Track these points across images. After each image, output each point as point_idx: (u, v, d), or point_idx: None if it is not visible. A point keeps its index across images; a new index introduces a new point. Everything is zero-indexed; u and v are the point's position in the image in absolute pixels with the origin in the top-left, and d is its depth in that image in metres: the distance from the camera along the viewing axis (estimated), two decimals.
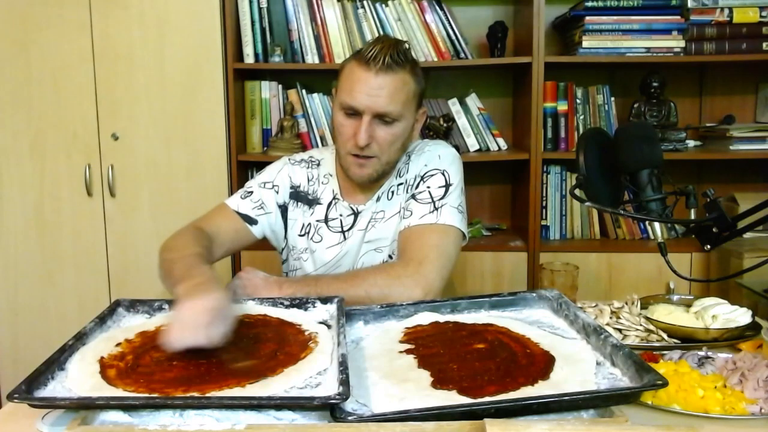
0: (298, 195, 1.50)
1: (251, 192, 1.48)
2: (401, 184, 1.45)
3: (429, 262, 1.29)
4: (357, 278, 1.28)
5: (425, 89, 1.43)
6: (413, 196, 1.41)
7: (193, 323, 0.96)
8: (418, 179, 1.43)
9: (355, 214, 1.46)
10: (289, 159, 1.54)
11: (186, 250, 1.24)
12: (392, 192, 1.45)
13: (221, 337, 0.97)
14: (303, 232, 1.49)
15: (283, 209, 1.50)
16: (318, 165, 1.52)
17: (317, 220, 1.48)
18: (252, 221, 1.46)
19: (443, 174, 1.42)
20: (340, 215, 1.46)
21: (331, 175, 1.49)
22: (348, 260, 1.46)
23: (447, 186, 1.40)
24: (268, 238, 1.52)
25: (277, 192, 1.49)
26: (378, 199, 1.45)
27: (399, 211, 1.43)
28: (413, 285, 1.25)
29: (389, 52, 1.30)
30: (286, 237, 1.52)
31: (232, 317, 1.02)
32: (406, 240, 1.36)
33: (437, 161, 1.43)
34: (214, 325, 0.96)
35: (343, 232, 1.46)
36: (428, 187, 1.40)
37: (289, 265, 1.55)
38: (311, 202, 1.49)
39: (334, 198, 1.48)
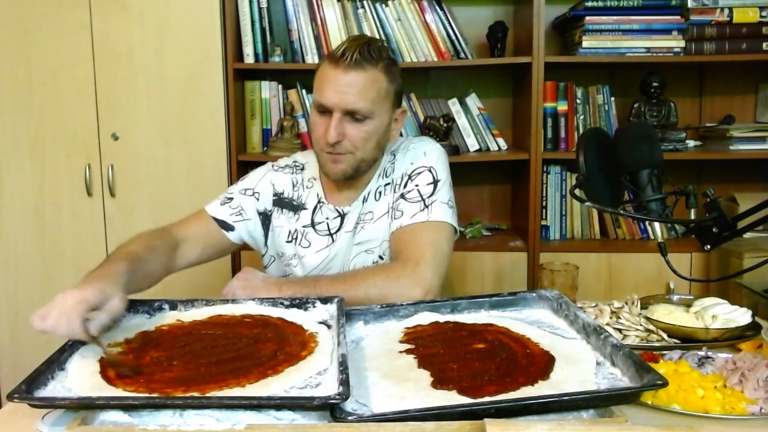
0: (282, 202, 1.49)
1: (231, 198, 1.49)
2: (388, 184, 1.44)
3: (425, 261, 1.29)
4: (356, 279, 1.28)
5: (402, 87, 1.43)
6: (402, 196, 1.41)
7: (58, 311, 0.96)
8: (405, 178, 1.42)
9: (342, 216, 1.45)
10: (272, 165, 1.54)
11: (124, 248, 1.26)
12: (379, 192, 1.44)
13: (79, 329, 0.96)
14: (290, 239, 1.48)
15: (265, 216, 1.50)
16: (302, 169, 1.52)
17: (303, 226, 1.47)
18: (228, 227, 1.46)
19: (430, 171, 1.41)
20: (327, 218, 1.46)
21: (315, 179, 1.49)
22: (337, 262, 1.45)
23: (435, 182, 1.40)
24: (248, 243, 1.52)
25: (258, 199, 1.49)
26: (364, 200, 1.45)
27: (388, 212, 1.43)
28: (412, 285, 1.25)
29: (358, 49, 1.31)
30: (266, 244, 1.52)
31: (110, 311, 1.01)
32: (400, 240, 1.36)
33: (423, 158, 1.43)
34: (75, 315, 0.96)
35: (330, 234, 1.45)
36: (417, 186, 1.40)
37: (277, 271, 1.53)
38: (296, 207, 1.48)
39: (319, 202, 1.47)
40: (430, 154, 1.44)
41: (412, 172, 1.42)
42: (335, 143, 1.33)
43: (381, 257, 1.44)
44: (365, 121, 1.34)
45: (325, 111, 1.34)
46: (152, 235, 1.37)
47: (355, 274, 1.33)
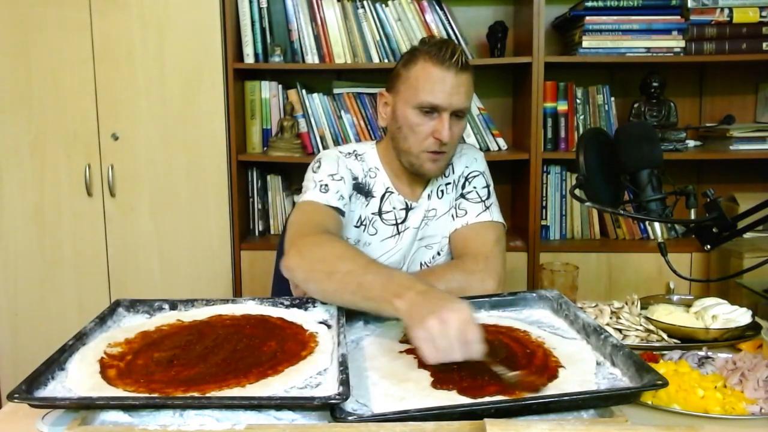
0: (358, 186, 1.48)
1: (327, 185, 1.40)
2: (449, 183, 1.53)
3: (494, 256, 1.41)
4: (433, 275, 1.33)
5: None
6: (463, 196, 1.52)
7: (458, 338, 0.89)
8: (463, 179, 1.54)
9: (407, 209, 1.49)
10: (339, 151, 1.50)
11: (352, 254, 1.16)
12: (441, 191, 1.52)
13: (479, 351, 0.90)
14: (359, 224, 1.48)
15: (349, 199, 1.44)
16: (363, 159, 1.50)
17: (372, 213, 1.48)
18: (342, 213, 1.40)
19: (483, 175, 1.54)
20: (394, 208, 1.49)
21: (378, 169, 1.50)
22: (397, 256, 1.49)
23: (488, 187, 1.54)
24: None
25: (345, 183, 1.43)
26: (429, 197, 1.51)
27: (449, 210, 1.52)
28: (487, 278, 1.35)
29: (461, 53, 1.37)
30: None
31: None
32: (465, 237, 1.47)
33: (476, 163, 1.56)
34: (475, 337, 0.91)
35: (396, 225, 1.49)
36: (474, 188, 1.52)
37: None
38: (367, 193, 1.49)
39: (387, 191, 1.49)
40: (481, 161, 1.57)
41: (469, 174, 1.54)
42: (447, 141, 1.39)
43: (439, 253, 1.52)
44: (463, 118, 1.42)
45: (429, 111, 1.37)
46: (337, 238, 1.28)
47: (433, 270, 1.43)
